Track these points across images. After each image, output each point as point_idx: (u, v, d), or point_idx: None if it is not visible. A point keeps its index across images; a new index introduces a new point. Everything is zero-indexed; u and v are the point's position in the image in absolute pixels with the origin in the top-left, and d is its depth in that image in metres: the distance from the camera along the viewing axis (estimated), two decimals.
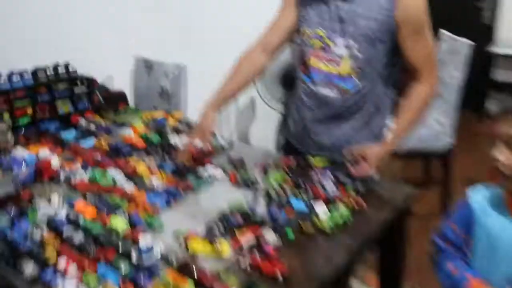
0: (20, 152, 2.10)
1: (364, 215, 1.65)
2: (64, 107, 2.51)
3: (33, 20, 2.51)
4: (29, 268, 1.42)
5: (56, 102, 2.48)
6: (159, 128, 2.36)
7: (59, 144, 2.24)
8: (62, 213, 1.69)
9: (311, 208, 1.63)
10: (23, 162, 2.01)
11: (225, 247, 1.47)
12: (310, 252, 1.51)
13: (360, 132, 2.00)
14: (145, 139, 2.28)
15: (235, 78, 2.04)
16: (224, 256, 1.46)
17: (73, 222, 1.65)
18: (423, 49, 1.84)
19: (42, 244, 1.52)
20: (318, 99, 1.99)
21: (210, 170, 1.96)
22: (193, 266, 1.38)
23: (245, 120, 3.82)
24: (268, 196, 1.69)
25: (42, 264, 1.45)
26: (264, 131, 3.83)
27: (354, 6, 1.83)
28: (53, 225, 1.62)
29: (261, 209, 1.63)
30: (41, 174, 1.96)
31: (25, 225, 1.62)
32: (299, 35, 2.01)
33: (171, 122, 2.45)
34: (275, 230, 1.55)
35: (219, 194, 1.82)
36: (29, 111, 2.40)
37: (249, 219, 1.58)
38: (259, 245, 1.48)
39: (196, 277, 1.35)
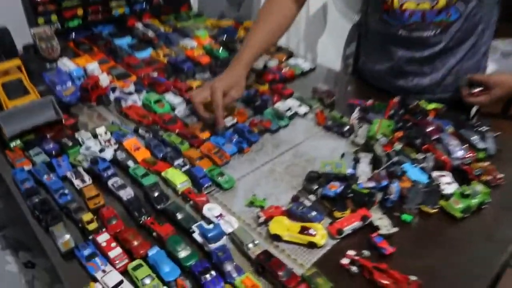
0: (66, 64, 1.55)
1: (505, 193, 1.05)
2: (119, 8, 1.90)
3: None
4: (63, 238, 0.94)
5: (110, 2, 1.86)
6: (227, 41, 1.74)
7: (111, 54, 1.68)
8: (108, 153, 1.18)
9: (435, 182, 1.04)
10: (68, 78, 1.46)
11: (320, 233, 0.93)
12: (440, 249, 0.94)
13: (466, 61, 1.39)
14: (210, 53, 1.67)
15: (264, 28, 1.38)
16: (318, 246, 0.92)
17: (121, 166, 1.14)
18: None
19: (81, 197, 1.07)
20: (412, 42, 1.37)
21: (291, 104, 1.37)
22: (277, 269, 0.86)
23: (315, 30, 3.08)
24: (374, 157, 1.10)
25: (79, 231, 0.98)
26: (335, 45, 3.09)
27: None
28: (96, 171, 1.12)
29: (364, 175, 1.05)
30: (88, 94, 1.43)
31: (64, 167, 1.13)
32: None
33: (241, 33, 1.81)
34: (385, 209, 0.99)
35: (304, 140, 1.24)
36: (80, 12, 1.81)
37: (349, 190, 1.02)
38: (367, 234, 0.94)
39: (281, 284, 0.84)
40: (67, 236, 0.94)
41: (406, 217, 0.98)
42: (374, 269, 0.86)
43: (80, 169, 1.13)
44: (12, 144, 1.22)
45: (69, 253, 0.93)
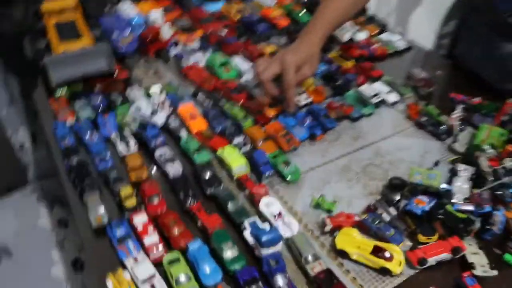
0: (127, 9, 1.47)
1: None
2: None
3: None
4: (97, 212, 0.88)
5: None
6: (312, 2, 1.59)
7: (178, 2, 1.59)
8: (160, 118, 1.10)
9: None
10: (127, 25, 1.39)
11: (397, 258, 0.81)
12: None
13: None
14: (290, 15, 1.54)
15: (339, 3, 1.17)
16: (393, 274, 0.80)
17: (172, 136, 1.07)
18: None
19: (123, 164, 1.01)
20: None
21: (379, 89, 1.22)
22: None
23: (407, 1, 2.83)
24: (476, 172, 0.95)
25: (116, 203, 0.93)
26: (430, 20, 2.83)
27: None
28: (143, 137, 1.05)
29: (462, 194, 0.90)
30: (147, 46, 1.35)
31: (109, 127, 1.08)
32: None
33: None
34: (482, 241, 0.85)
35: (390, 136, 1.11)
36: None
37: (441, 210, 0.88)
38: (454, 269, 0.81)
39: None
40: (101, 210, 0.89)
41: (510, 258, 0.83)
42: None
43: (127, 132, 1.07)
44: (58, 93, 1.17)
45: (100, 228, 0.88)
